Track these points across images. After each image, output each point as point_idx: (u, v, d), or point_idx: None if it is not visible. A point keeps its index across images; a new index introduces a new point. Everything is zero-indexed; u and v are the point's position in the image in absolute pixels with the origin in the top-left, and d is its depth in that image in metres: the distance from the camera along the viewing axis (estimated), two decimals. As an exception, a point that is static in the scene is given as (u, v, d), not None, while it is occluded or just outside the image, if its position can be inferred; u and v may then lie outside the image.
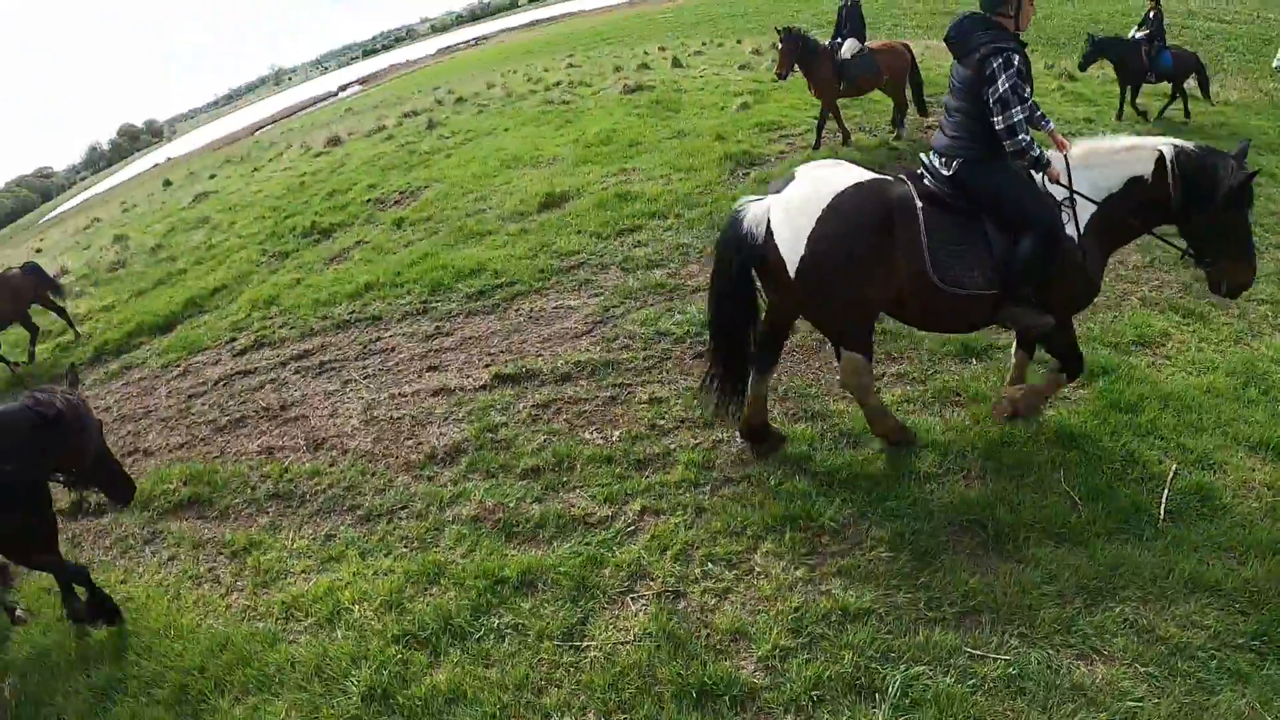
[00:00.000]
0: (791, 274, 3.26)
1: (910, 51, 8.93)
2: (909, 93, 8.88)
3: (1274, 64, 11.09)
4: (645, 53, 20.65)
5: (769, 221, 3.29)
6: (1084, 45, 10.22)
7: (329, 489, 4.24)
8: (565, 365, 4.93)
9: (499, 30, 61.37)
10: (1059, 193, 3.33)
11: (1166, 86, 10.09)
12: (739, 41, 20.89)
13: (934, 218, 3.29)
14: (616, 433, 4.26)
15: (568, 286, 6.11)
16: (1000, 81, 3.15)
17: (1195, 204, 3.27)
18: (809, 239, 3.20)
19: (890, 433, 3.75)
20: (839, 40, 8.73)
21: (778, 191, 3.38)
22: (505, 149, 10.72)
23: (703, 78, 14.41)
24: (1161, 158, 3.30)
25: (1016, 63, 3.16)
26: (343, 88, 50.02)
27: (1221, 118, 10.37)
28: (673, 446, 4.06)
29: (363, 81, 50.58)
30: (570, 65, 21.51)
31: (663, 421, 4.29)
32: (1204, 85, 10.01)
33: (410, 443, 4.49)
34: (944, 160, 3.40)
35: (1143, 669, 2.87)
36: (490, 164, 9.94)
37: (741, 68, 15.02)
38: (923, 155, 3.56)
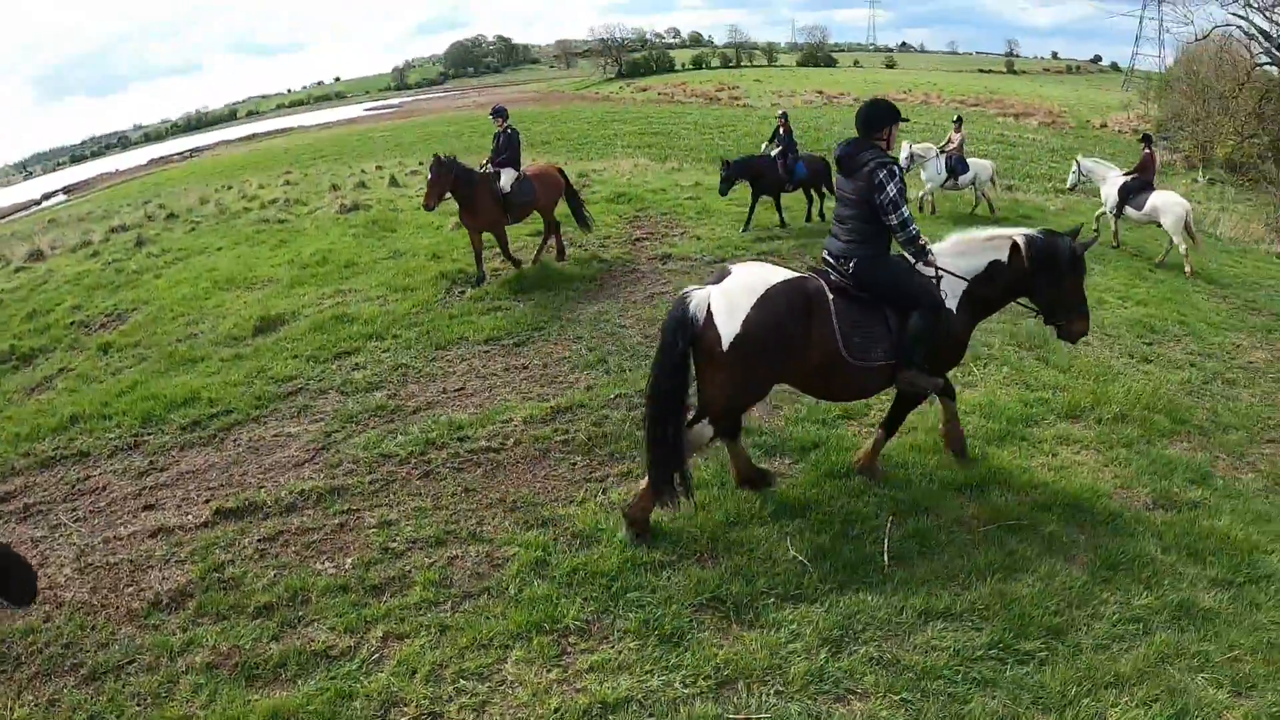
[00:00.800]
0: (724, 347, 4.59)
1: (563, 175, 11.48)
2: (570, 210, 11.30)
3: (1068, 184, 15.79)
4: (363, 171, 25.39)
5: (709, 305, 4.65)
6: (719, 170, 13.30)
7: (46, 648, 4.48)
8: (289, 495, 5.70)
9: (215, 142, 69.88)
10: (930, 273, 5.07)
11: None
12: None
13: (842, 306, 4.85)
14: (349, 560, 4.98)
15: (286, 413, 7.14)
16: (890, 187, 4.77)
17: (1044, 276, 5.13)
18: (744, 320, 4.60)
19: (638, 523, 4.92)
20: (492, 167, 10.64)
21: (716, 282, 4.79)
22: (218, 269, 12.38)
23: (419, 196, 16.63)
24: (1015, 244, 5.12)
25: (899, 173, 4.83)
26: (47, 196, 55.78)
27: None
28: (408, 568, 4.85)
29: (69, 190, 56.74)
30: (287, 182, 24.97)
31: (394, 544, 5.09)
32: (830, 189, 13.67)
33: (131, 590, 4.90)
34: (841, 261, 5.00)
35: (896, 697, 3.85)
36: (202, 285, 10.83)
37: None
38: (823, 254, 5.23)
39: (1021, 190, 21.01)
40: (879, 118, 4.98)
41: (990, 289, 5.21)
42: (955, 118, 16.64)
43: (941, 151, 15.12)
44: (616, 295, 9.54)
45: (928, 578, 4.57)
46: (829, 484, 5.44)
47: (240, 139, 67.79)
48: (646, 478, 4.83)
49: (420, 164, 25.72)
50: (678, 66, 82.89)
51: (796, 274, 4.93)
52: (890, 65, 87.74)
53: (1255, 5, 21.24)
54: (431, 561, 4.85)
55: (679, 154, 26.52)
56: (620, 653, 4.03)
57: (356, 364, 8.01)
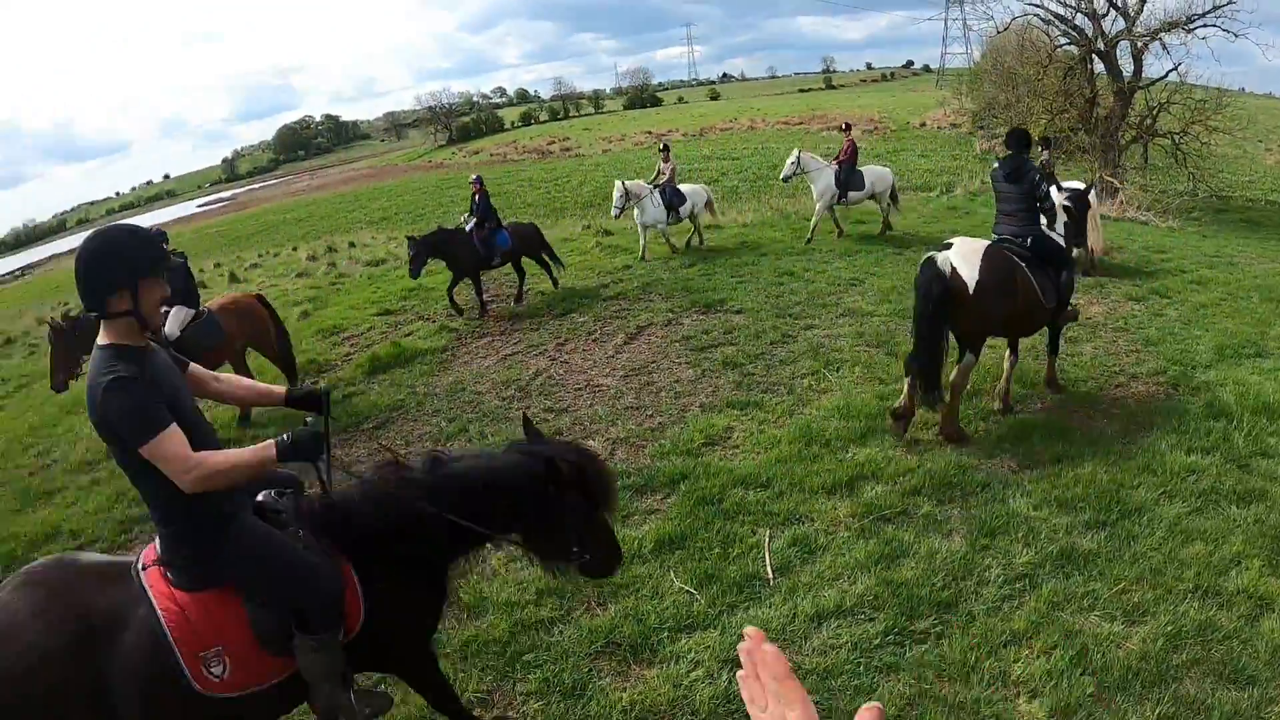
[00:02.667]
0: (971, 291, 6.19)
1: (264, 303, 9.46)
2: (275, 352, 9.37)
3: (781, 175, 15.90)
4: (201, 270, 24.26)
5: (951, 262, 6.26)
6: (406, 251, 11.83)
7: None
8: None
9: (47, 256, 68.64)
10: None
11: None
12: (294, 249, 26.30)
13: (1028, 267, 6.53)
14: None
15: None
16: (1041, 185, 6.62)
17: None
18: (979, 270, 6.23)
19: (952, 435, 6.35)
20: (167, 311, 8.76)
21: (946, 248, 6.42)
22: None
23: (261, 291, 16.39)
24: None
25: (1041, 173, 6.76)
26: None
27: (743, 235, 15.63)
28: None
29: None
30: None
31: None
32: (552, 256, 12.46)
33: None
34: (1019, 239, 6.66)
35: None
36: (49, 411, 10.21)
37: (299, 275, 18.70)
38: (996, 236, 6.82)
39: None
40: (1024, 139, 6.86)
41: None
42: (661, 145, 15.66)
43: (655, 188, 14.15)
44: (470, 361, 9.56)
45: (813, 582, 4.69)
46: (702, 511, 5.52)
47: (70, 251, 66.44)
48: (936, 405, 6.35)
49: (259, 256, 26.34)
50: (507, 125, 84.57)
51: (990, 242, 6.61)
52: (714, 97, 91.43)
53: (1047, -9, 22.87)
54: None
55: (517, 211, 26.77)
56: (527, 716, 3.98)
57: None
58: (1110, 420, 6.64)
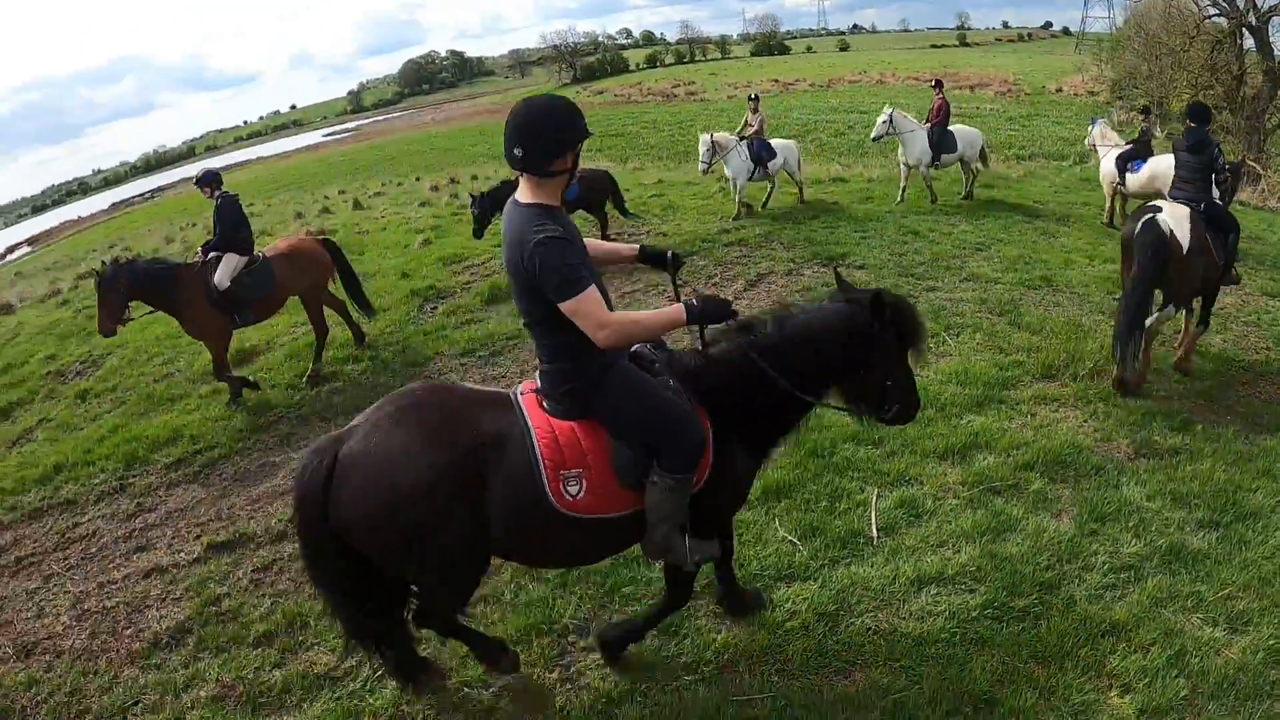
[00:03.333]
0: (1184, 252, 6.65)
1: (331, 247, 9.10)
2: (346, 293, 9.14)
3: (871, 135, 15.17)
4: (326, 197, 26.23)
5: (1169, 225, 6.71)
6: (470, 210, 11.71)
7: (50, 698, 4.55)
8: (279, 524, 5.78)
9: (176, 180, 70.13)
10: None
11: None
12: (418, 179, 26.86)
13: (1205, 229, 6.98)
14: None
15: (269, 443, 7.35)
16: (1220, 158, 7.28)
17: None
18: (1188, 235, 6.68)
19: (1136, 385, 6.72)
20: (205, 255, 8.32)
21: (1155, 213, 6.84)
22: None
23: (384, 218, 18.14)
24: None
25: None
26: (10, 249, 56.46)
27: (869, 191, 15.29)
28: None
29: (32, 241, 58.08)
30: (251, 214, 23.69)
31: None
32: (620, 206, 12.46)
33: (130, 632, 5.00)
34: (1194, 203, 7.00)
35: (897, 664, 3.95)
36: (174, 323, 10.11)
37: (422, 204, 19.04)
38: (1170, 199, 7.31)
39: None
40: (1206, 113, 7.60)
41: None
42: (751, 95, 14.58)
43: (741, 139, 13.46)
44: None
45: (917, 546, 4.71)
46: (812, 463, 5.55)
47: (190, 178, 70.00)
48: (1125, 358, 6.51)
49: (383, 185, 27.09)
50: (632, 67, 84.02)
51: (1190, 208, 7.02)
52: (844, 48, 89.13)
53: (1201, -43, 21.55)
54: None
55: (640, 153, 26.82)
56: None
57: (334, 388, 8.21)
58: (1234, 418, 6.40)
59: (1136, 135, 12.96)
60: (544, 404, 3.35)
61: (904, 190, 14.09)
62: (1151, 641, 3.97)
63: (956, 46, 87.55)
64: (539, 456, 3.19)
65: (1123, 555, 4.60)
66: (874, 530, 4.85)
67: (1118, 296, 7.36)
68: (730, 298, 8.92)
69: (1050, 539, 4.72)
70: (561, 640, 4.25)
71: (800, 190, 14.37)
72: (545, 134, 3.05)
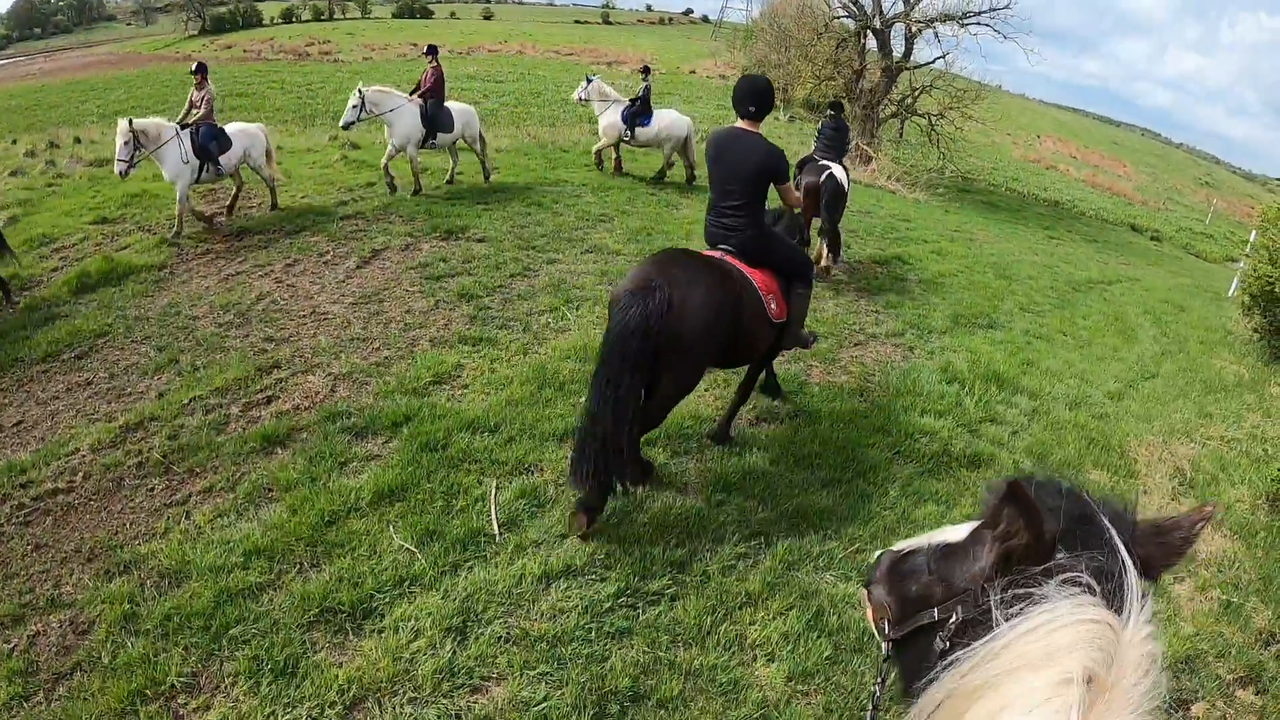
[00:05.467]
0: (846, 190, 10.18)
1: None
2: None
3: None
4: None
5: (840, 178, 9.87)
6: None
7: None
8: None
9: None
10: None
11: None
12: (13, 141, 21.68)
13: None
14: None
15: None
16: (850, 135, 12.38)
17: None
18: (847, 181, 10.36)
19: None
20: None
21: (829, 168, 9.80)
22: None
23: None
24: None
25: None
26: None
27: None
28: None
29: None
30: None
31: None
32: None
33: None
34: (839, 163, 10.12)
35: (534, 672, 3.68)
36: None
37: (13, 174, 15.36)
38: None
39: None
40: (840, 105, 10.96)
41: None
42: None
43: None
44: (189, 281, 8.58)
45: (542, 539, 4.49)
46: (425, 458, 5.18)
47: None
48: None
49: None
50: (266, 20, 78.70)
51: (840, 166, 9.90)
52: (488, 16, 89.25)
53: (837, -37, 23.90)
54: (12, 646, 4.04)
55: (265, 116, 24.64)
56: (236, 700, 3.54)
57: None
58: (849, 377, 6.89)
59: (639, 94, 14.34)
60: (742, 259, 5.12)
61: (597, 154, 14.91)
62: (789, 606, 4.07)
63: (599, 24, 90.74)
64: (757, 288, 5.02)
65: (752, 523, 4.70)
66: (495, 527, 4.57)
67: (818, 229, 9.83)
68: (342, 276, 8.35)
69: (678, 515, 4.69)
70: (170, 704, 3.59)
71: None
72: (767, 100, 5.13)
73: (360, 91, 11.41)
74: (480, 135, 12.98)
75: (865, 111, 23.35)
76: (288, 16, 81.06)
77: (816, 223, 9.79)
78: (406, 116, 11.64)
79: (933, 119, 23.42)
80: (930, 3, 23.56)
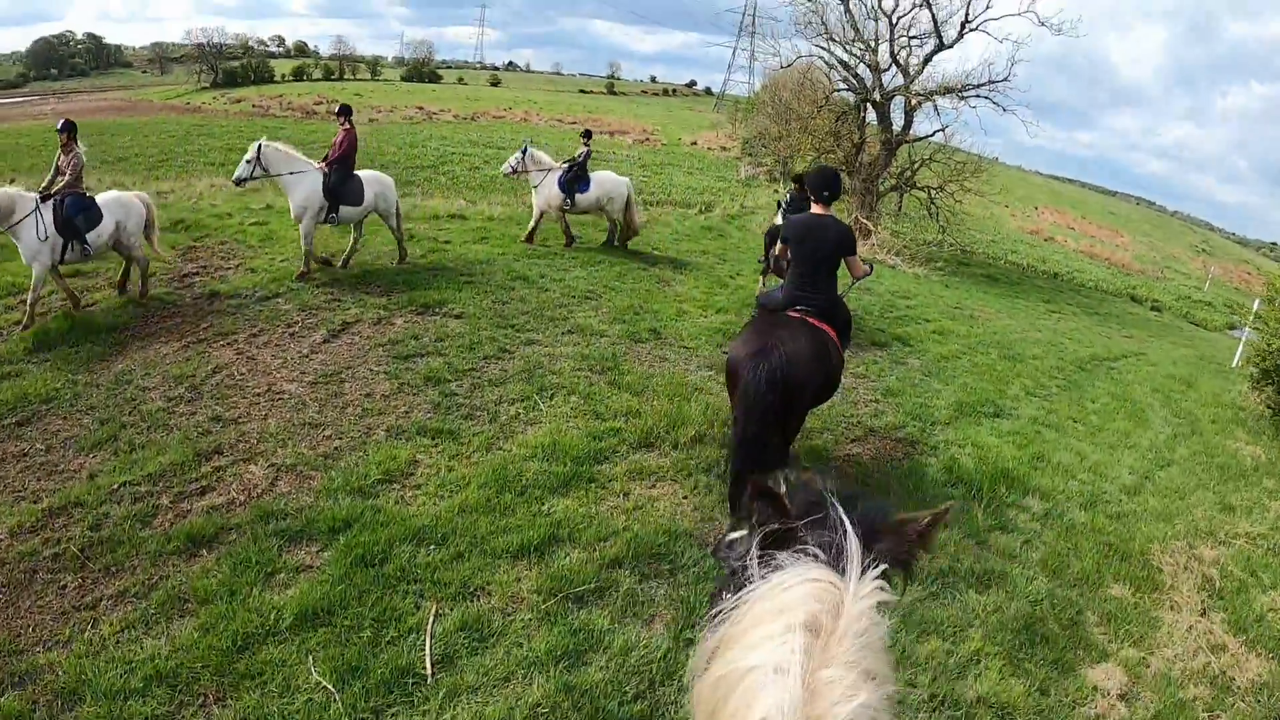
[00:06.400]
0: None
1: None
2: None
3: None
4: None
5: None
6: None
7: None
8: None
9: None
10: None
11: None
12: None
13: None
14: None
15: None
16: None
17: None
18: None
19: None
20: None
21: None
22: None
23: None
24: None
25: None
26: None
27: (485, 230, 14.37)
28: None
29: None
30: None
31: None
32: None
33: None
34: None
35: None
36: None
37: None
38: None
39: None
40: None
41: None
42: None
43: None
44: (148, 345, 7.94)
45: (480, 682, 3.79)
46: (360, 574, 4.47)
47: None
48: None
49: None
50: (278, 77, 79.69)
51: None
52: (495, 83, 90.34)
53: (836, 39, 23.65)
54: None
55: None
56: None
57: None
58: (843, 482, 6.19)
59: (576, 157, 13.45)
60: (816, 319, 5.64)
61: (533, 231, 13.52)
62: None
63: (604, 94, 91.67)
64: (834, 341, 5.66)
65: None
66: (428, 664, 3.86)
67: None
68: (306, 350, 7.70)
69: (640, 658, 3.97)
70: None
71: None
72: (838, 186, 6.00)
73: (259, 145, 10.28)
74: (397, 210, 11.40)
75: (865, 185, 23.02)
76: (299, 74, 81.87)
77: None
78: (305, 184, 10.33)
79: (932, 192, 23.05)
80: (930, 76, 23.37)
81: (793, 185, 11.73)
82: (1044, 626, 4.93)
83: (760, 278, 12.49)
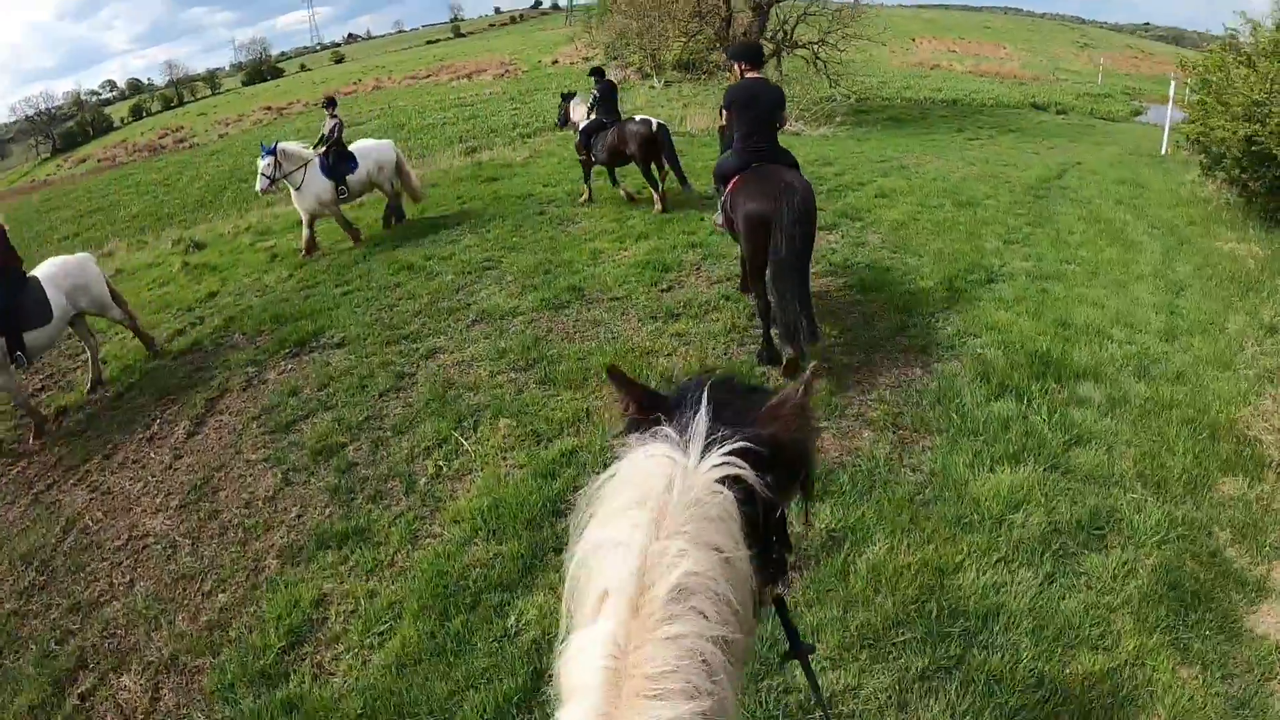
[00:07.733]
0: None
1: None
2: None
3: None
4: None
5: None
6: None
7: None
8: None
9: None
10: None
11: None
12: None
13: None
14: None
15: None
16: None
17: None
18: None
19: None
20: None
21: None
22: None
23: None
24: None
25: None
26: None
27: (358, 220, 11.48)
28: None
29: None
30: None
31: None
32: None
33: None
34: None
35: None
36: None
37: None
38: None
39: (487, 149, 19.60)
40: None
41: None
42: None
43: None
44: None
45: None
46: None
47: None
48: None
49: None
50: (117, 123, 75.04)
51: None
52: (339, 60, 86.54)
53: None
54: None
55: (117, 231, 21.63)
56: None
57: None
58: (873, 431, 4.78)
59: (327, 133, 10.78)
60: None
61: (307, 241, 10.75)
62: None
63: (452, 38, 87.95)
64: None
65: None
66: None
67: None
68: (168, 458, 5.94)
69: None
70: None
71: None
72: (761, 51, 6.78)
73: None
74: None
75: (744, 56, 21.59)
76: (137, 113, 77.03)
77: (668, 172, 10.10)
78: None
79: (814, 47, 21.75)
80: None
81: (593, 77, 11.35)
82: (1182, 571, 3.63)
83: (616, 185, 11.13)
